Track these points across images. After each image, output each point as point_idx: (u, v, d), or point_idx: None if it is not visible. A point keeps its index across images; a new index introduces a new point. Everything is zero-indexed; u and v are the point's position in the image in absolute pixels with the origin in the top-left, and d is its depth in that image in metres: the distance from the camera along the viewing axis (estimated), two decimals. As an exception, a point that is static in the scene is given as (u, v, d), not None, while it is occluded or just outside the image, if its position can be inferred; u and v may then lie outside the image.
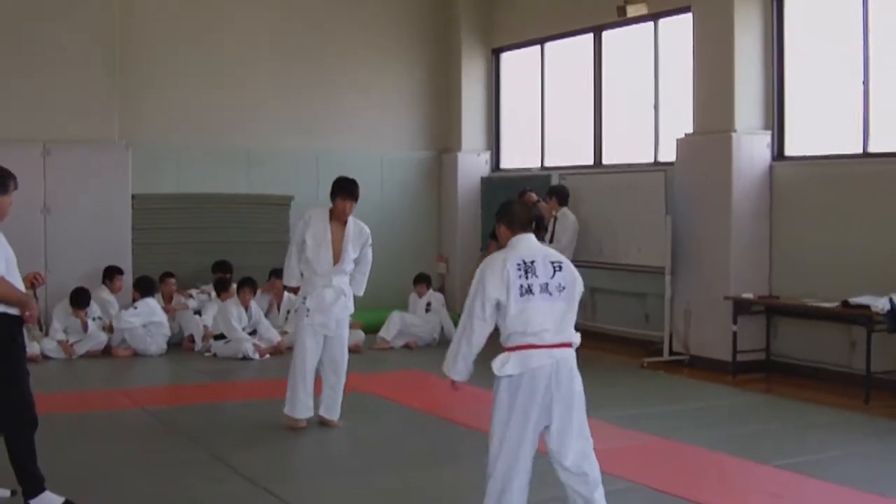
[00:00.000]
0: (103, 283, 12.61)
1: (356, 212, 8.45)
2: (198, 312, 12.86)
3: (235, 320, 12.11)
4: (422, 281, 13.79)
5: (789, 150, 11.46)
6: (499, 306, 5.27)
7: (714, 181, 11.43)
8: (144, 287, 12.51)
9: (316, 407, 8.46)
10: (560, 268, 5.41)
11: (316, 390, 8.45)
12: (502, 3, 15.80)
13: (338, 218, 8.33)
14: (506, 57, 16.07)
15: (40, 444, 6.01)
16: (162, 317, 12.39)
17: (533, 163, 15.31)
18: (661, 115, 12.99)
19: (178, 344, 12.70)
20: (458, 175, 15.76)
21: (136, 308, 12.23)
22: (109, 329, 12.20)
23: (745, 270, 11.31)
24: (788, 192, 11.29)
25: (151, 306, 12.33)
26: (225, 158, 14.42)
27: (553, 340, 5.27)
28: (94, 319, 12.19)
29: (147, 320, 12.21)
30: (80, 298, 12.06)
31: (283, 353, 12.33)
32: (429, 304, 13.51)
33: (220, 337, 12.22)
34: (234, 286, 12.67)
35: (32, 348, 11.13)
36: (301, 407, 8.37)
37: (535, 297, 5.27)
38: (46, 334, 11.99)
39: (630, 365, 11.84)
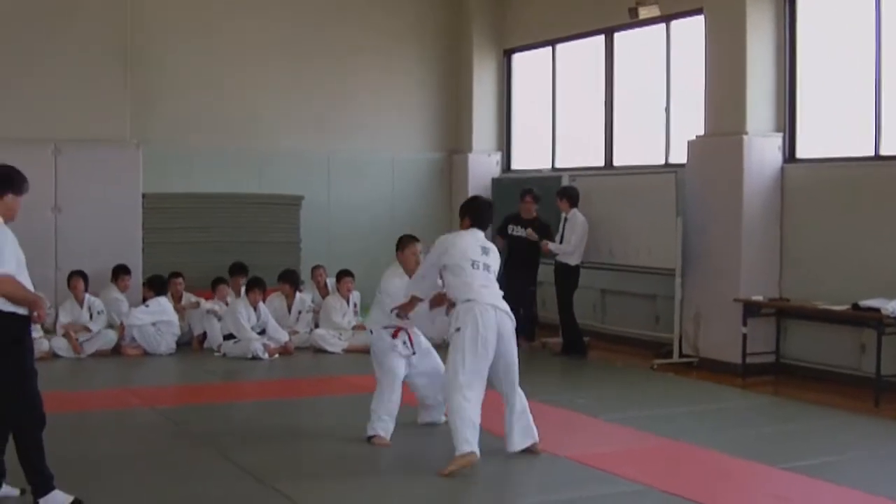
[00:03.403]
0: (112, 282, 12.65)
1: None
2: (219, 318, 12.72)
3: (244, 320, 12.11)
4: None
5: (801, 153, 11.43)
6: None
7: (725, 183, 11.40)
8: (157, 286, 12.55)
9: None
10: None
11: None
12: (514, 4, 15.80)
13: None
14: (517, 58, 16.07)
15: (49, 443, 6.02)
16: (172, 316, 12.38)
17: (544, 164, 15.30)
18: (672, 117, 12.99)
19: (188, 343, 12.70)
20: (469, 176, 15.76)
21: (147, 306, 12.26)
22: (120, 328, 12.22)
23: (755, 272, 11.28)
24: (799, 195, 11.26)
25: (163, 305, 12.34)
26: (236, 158, 14.46)
27: None
28: (98, 313, 12.20)
29: (157, 318, 12.22)
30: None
31: (292, 353, 12.34)
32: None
33: (230, 337, 12.22)
34: (244, 287, 12.69)
35: (42, 346, 11.16)
36: None
37: None
38: (54, 331, 11.98)
39: (640, 367, 11.81)
